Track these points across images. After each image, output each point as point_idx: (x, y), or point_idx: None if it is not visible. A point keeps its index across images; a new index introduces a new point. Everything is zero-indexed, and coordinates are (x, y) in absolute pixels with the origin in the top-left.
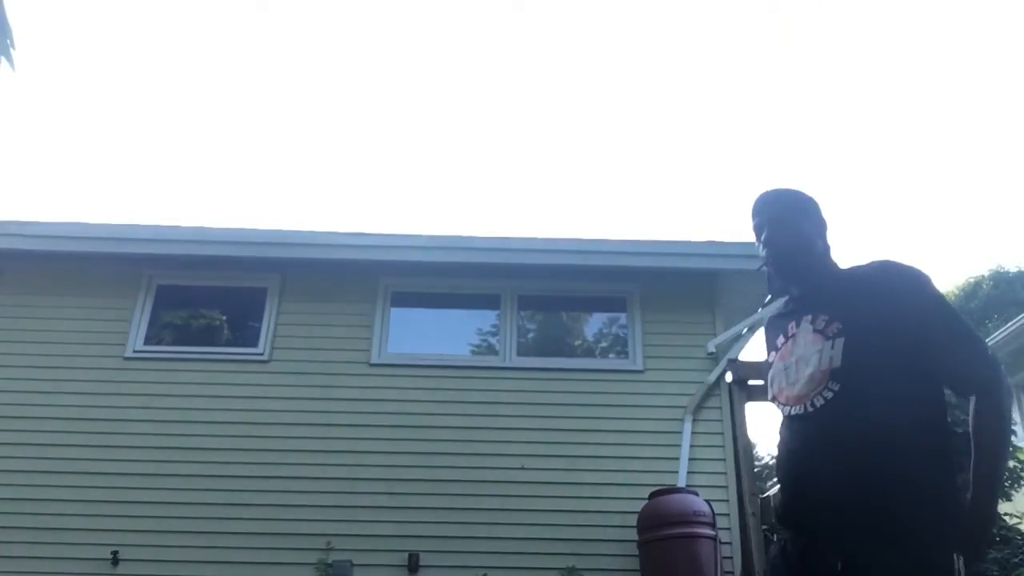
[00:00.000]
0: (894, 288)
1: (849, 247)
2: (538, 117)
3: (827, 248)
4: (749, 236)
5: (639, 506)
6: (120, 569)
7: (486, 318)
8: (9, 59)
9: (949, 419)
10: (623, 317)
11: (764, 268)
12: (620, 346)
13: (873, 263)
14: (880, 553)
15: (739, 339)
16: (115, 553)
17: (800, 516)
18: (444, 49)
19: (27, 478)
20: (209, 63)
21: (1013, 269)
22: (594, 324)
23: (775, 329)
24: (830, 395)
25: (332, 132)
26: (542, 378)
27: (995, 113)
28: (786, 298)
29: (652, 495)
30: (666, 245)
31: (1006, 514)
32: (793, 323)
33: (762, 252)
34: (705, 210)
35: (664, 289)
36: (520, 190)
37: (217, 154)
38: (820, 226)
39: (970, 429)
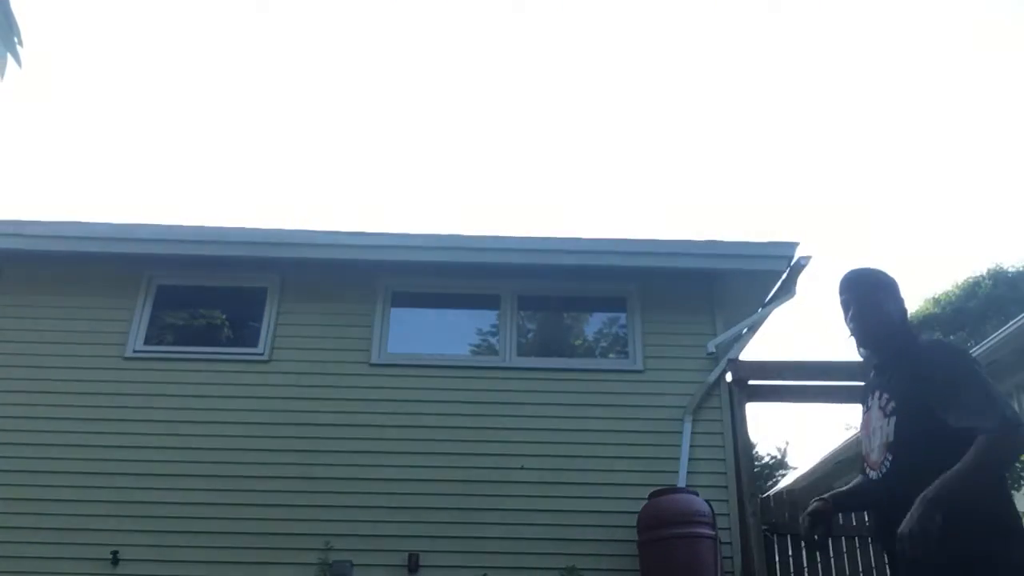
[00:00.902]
0: (934, 364)
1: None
2: (538, 117)
3: (905, 324)
4: (748, 236)
5: (639, 506)
6: (120, 569)
7: (486, 318)
8: (16, 57)
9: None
10: (623, 317)
11: (852, 338)
12: (620, 346)
13: (923, 348)
14: None
15: (739, 339)
16: (115, 553)
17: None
18: (444, 49)
19: (27, 478)
20: (209, 63)
21: (1012, 268)
22: (594, 324)
23: (864, 390)
24: (888, 465)
25: (332, 132)
26: (542, 378)
27: (995, 112)
28: (870, 360)
29: (652, 495)
30: (666, 245)
31: None
32: (872, 396)
33: (850, 326)
34: (705, 210)
35: (664, 289)
36: (520, 190)
37: (217, 154)
38: (900, 304)
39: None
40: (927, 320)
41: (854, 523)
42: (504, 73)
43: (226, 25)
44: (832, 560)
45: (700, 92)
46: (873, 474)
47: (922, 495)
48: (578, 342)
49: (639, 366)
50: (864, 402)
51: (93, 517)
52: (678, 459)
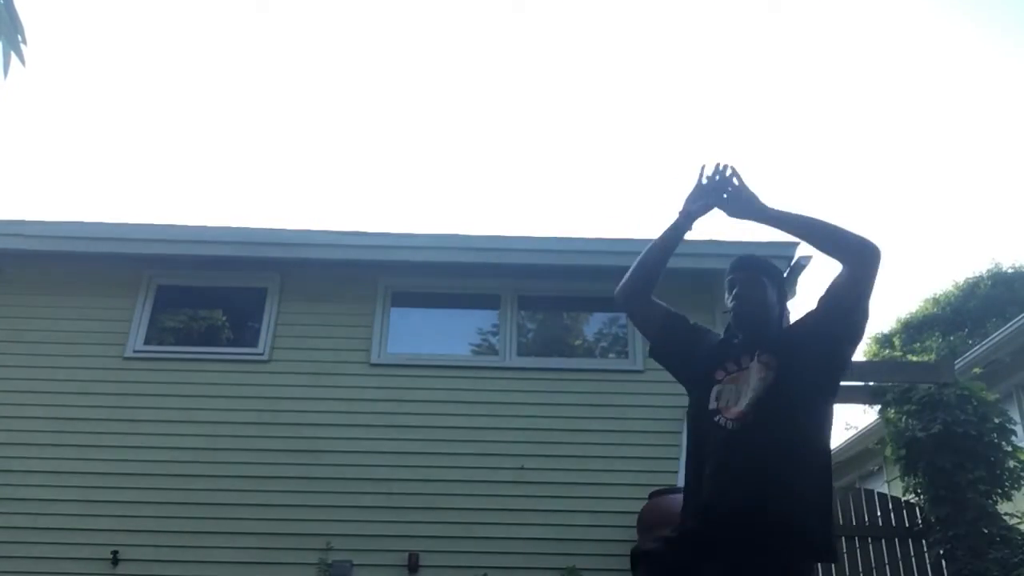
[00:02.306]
0: (805, 324)
1: None
2: (538, 117)
3: (783, 313)
4: (749, 236)
5: (639, 506)
6: (120, 569)
7: (486, 318)
8: (20, 55)
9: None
10: (623, 317)
11: (727, 313)
12: (620, 346)
13: (795, 322)
14: (759, 553)
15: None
16: (115, 553)
17: (712, 511)
18: (444, 49)
19: (27, 478)
20: (209, 63)
21: (1012, 268)
22: (594, 324)
23: (713, 346)
24: (760, 416)
25: (332, 132)
26: (542, 378)
27: (994, 112)
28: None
29: (652, 495)
30: None
31: (1006, 514)
32: (747, 356)
33: (730, 304)
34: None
35: (664, 289)
36: (520, 190)
37: (217, 154)
38: (782, 298)
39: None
40: (927, 320)
41: (854, 523)
42: (504, 73)
43: (226, 25)
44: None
45: (700, 92)
46: (732, 424)
47: (763, 205)
48: (578, 342)
49: (639, 366)
50: (727, 360)
51: (93, 517)
52: (678, 459)
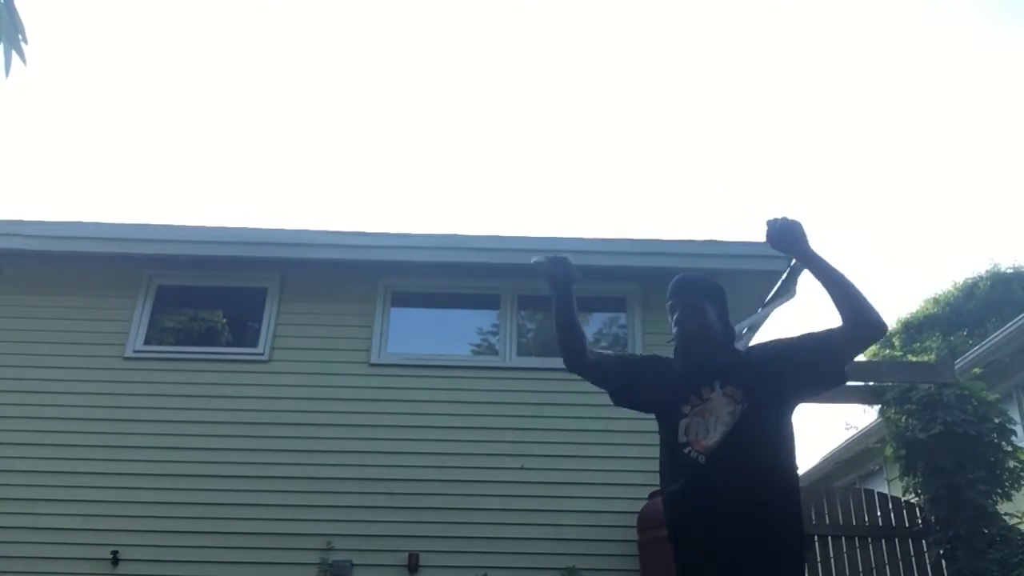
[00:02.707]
0: (776, 356)
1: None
2: (538, 117)
3: (727, 329)
4: (749, 236)
5: (639, 506)
6: (120, 569)
7: (486, 318)
8: (21, 54)
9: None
10: (623, 317)
11: (672, 342)
12: (620, 346)
13: (759, 346)
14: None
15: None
16: (115, 553)
17: (696, 542)
18: (444, 49)
19: (27, 478)
20: (209, 63)
21: (1011, 268)
22: (594, 324)
23: (673, 379)
24: (732, 449)
25: (332, 132)
26: (542, 378)
27: (994, 112)
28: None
29: (652, 495)
30: (666, 245)
31: (1006, 514)
32: (707, 388)
33: (673, 330)
34: (705, 210)
35: (664, 289)
36: (520, 190)
37: (217, 154)
38: (724, 314)
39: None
40: (927, 320)
41: (854, 523)
42: (504, 73)
43: (226, 25)
44: (832, 560)
45: (700, 92)
46: (704, 458)
47: (812, 249)
48: None
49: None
50: (693, 394)
51: (93, 517)
52: None
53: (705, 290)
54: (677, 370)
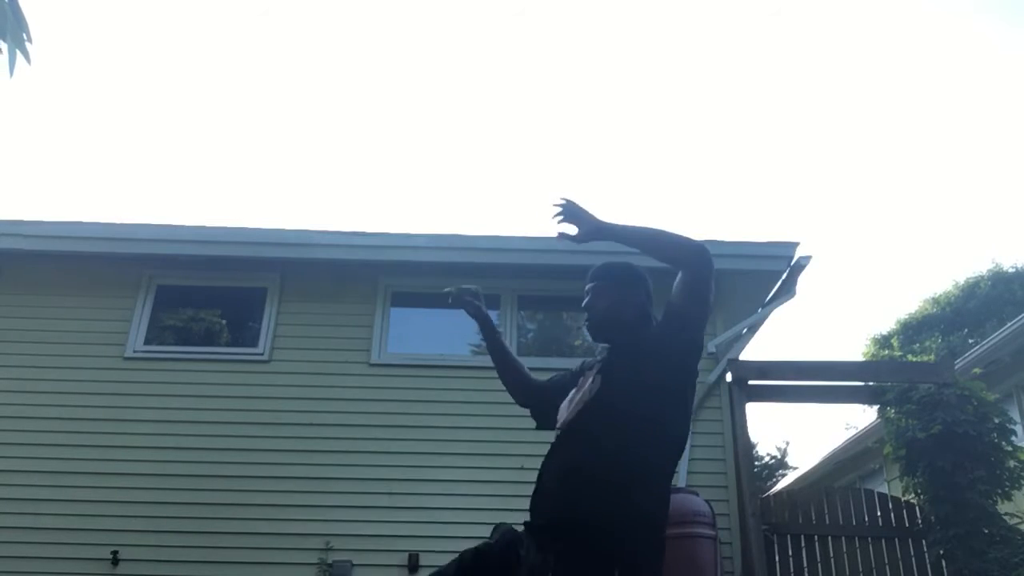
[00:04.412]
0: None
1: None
2: (538, 117)
3: (641, 317)
4: (749, 236)
5: None
6: (120, 569)
7: None
8: (25, 53)
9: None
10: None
11: (584, 326)
12: None
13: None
14: (567, 549)
15: (739, 339)
16: (115, 553)
17: (534, 506)
18: (444, 49)
19: (27, 478)
20: (210, 63)
21: (1012, 268)
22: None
23: (585, 370)
24: (577, 416)
25: (332, 132)
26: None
27: (994, 111)
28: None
29: None
30: None
31: (1006, 514)
32: (592, 371)
33: (584, 316)
34: (704, 210)
35: (664, 289)
36: (520, 190)
37: (217, 154)
38: (638, 301)
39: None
40: (926, 320)
41: (854, 523)
42: (504, 73)
43: (226, 25)
44: (832, 560)
45: (700, 92)
46: (559, 432)
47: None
48: (578, 342)
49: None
50: (582, 379)
51: (93, 517)
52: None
53: (614, 275)
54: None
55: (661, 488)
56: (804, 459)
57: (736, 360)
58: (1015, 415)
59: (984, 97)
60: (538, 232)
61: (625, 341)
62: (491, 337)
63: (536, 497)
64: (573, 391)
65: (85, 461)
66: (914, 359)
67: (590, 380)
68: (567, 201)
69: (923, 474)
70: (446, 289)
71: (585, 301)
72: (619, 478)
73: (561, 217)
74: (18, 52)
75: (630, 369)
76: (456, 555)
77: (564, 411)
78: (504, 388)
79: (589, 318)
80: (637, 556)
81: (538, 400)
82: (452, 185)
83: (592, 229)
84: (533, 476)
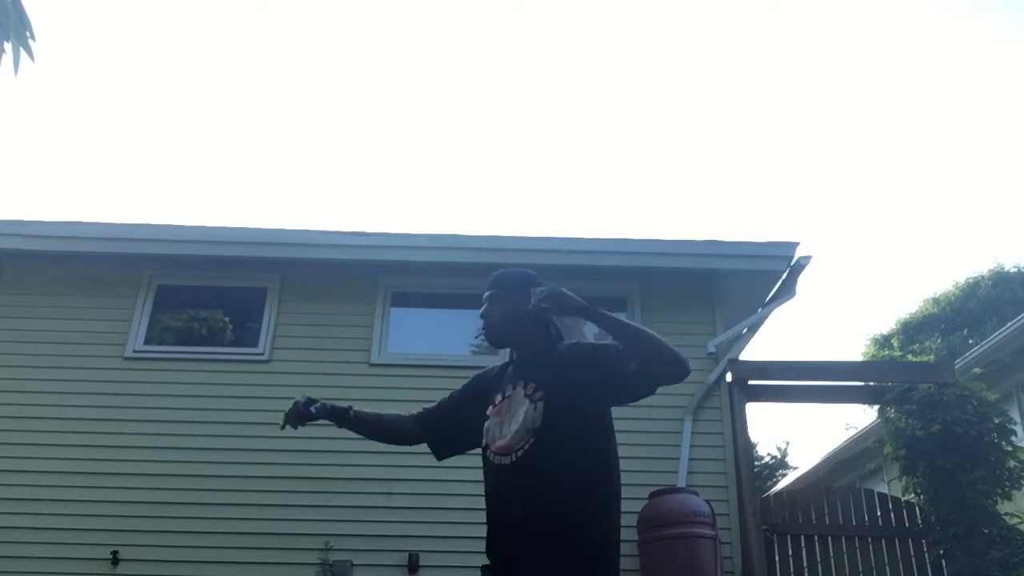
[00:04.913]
0: (576, 355)
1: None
2: (537, 117)
3: (540, 324)
4: (749, 236)
5: (639, 506)
6: (120, 569)
7: None
8: (29, 52)
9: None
10: (623, 317)
11: (479, 336)
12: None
13: (569, 345)
14: None
15: (739, 339)
16: (115, 553)
17: (498, 550)
18: (444, 49)
19: (27, 478)
20: (209, 63)
21: (1013, 268)
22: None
23: (492, 385)
24: (527, 448)
25: (332, 132)
26: None
27: (995, 111)
28: (507, 357)
29: (652, 495)
30: (665, 244)
31: (1006, 514)
32: (510, 386)
33: (481, 322)
34: (704, 210)
35: (664, 289)
36: (520, 190)
37: (217, 154)
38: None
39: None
40: (927, 320)
41: (854, 523)
42: (504, 73)
43: (226, 25)
44: (832, 560)
45: (700, 92)
46: (504, 460)
47: (591, 305)
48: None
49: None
50: (499, 393)
51: (93, 517)
52: (678, 459)
53: (514, 282)
54: (498, 372)
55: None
56: (804, 459)
57: (736, 360)
58: (1015, 415)
59: (984, 95)
60: (538, 232)
61: (533, 351)
62: (345, 421)
63: (503, 540)
64: (498, 408)
65: (85, 461)
66: (914, 359)
67: (524, 400)
68: (553, 293)
69: (923, 474)
70: (282, 427)
71: (482, 309)
72: (589, 510)
73: (546, 305)
74: (22, 50)
75: (566, 390)
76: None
77: (495, 431)
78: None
79: (485, 326)
80: None
81: (433, 432)
82: (452, 185)
83: (578, 306)
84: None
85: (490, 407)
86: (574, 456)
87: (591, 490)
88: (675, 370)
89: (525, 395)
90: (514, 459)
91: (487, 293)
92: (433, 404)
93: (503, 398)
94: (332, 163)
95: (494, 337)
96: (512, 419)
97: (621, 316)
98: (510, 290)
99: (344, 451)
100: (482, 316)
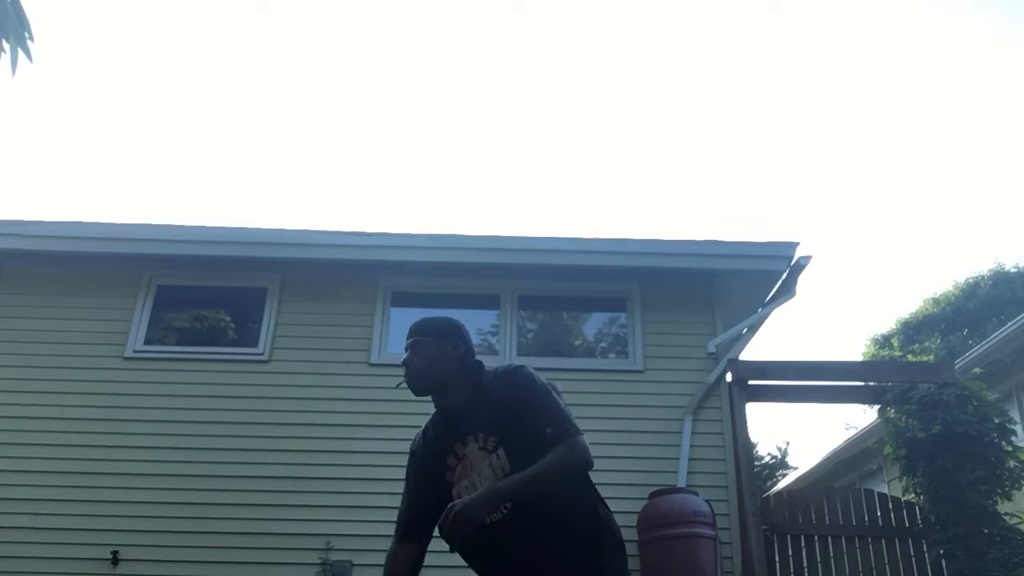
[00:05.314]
0: (513, 397)
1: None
2: (537, 117)
3: (463, 371)
4: (749, 236)
5: (639, 506)
6: (120, 569)
7: (486, 318)
8: (27, 52)
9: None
10: (623, 317)
11: (401, 386)
12: (620, 346)
13: (497, 379)
14: None
15: (739, 339)
16: (115, 553)
17: None
18: (444, 49)
19: (27, 478)
20: (209, 63)
21: (1013, 268)
22: (594, 324)
23: (432, 452)
24: (517, 506)
25: (332, 132)
26: None
27: (995, 111)
28: (435, 414)
29: (652, 495)
30: (666, 245)
31: (1006, 514)
32: (459, 444)
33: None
34: (704, 210)
35: (664, 289)
36: (520, 190)
37: (217, 153)
38: (456, 353)
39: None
40: (927, 320)
41: (854, 523)
42: (504, 73)
43: (226, 25)
44: (832, 560)
45: (700, 92)
46: (495, 516)
47: (492, 487)
48: (578, 342)
49: (639, 366)
50: (449, 454)
51: (93, 517)
52: (678, 459)
53: (435, 331)
54: (431, 434)
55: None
56: (804, 459)
57: (736, 360)
58: (1015, 415)
59: (984, 95)
60: (538, 232)
61: (461, 399)
62: None
63: None
64: (458, 472)
65: (85, 461)
66: (914, 359)
67: (482, 454)
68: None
69: (923, 474)
70: None
71: (404, 357)
72: (603, 530)
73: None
74: (20, 51)
75: (514, 423)
76: (456, 554)
77: (458, 495)
78: None
79: (407, 374)
80: None
81: (427, 532)
82: (452, 185)
83: (488, 511)
84: None
85: (447, 472)
86: (558, 495)
87: (584, 500)
88: (578, 476)
89: (480, 448)
90: (505, 511)
91: (409, 340)
92: (401, 514)
93: (457, 460)
94: (332, 163)
95: (417, 384)
96: (481, 476)
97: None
98: (433, 337)
99: (344, 451)
100: (403, 364)
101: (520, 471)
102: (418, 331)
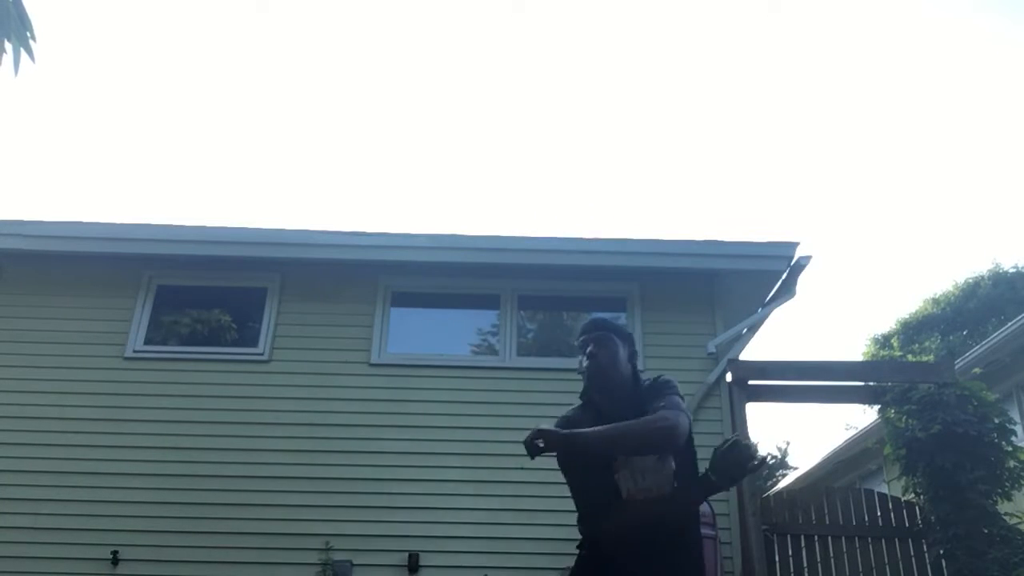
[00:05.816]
0: (656, 395)
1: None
2: (538, 117)
3: (636, 372)
4: (749, 236)
5: None
6: (120, 569)
7: (486, 318)
8: (29, 52)
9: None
10: (623, 317)
11: (581, 373)
12: None
13: (649, 388)
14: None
15: (739, 339)
16: (115, 553)
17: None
18: (444, 49)
19: (27, 478)
20: (209, 63)
21: (1012, 268)
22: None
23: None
24: (668, 491)
25: (332, 131)
26: (542, 378)
27: (995, 111)
28: (581, 405)
29: None
30: (666, 245)
31: (1006, 514)
32: None
33: (584, 363)
34: (704, 210)
35: (664, 289)
36: (520, 190)
37: (217, 153)
38: (633, 357)
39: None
40: (926, 320)
41: (854, 523)
42: (504, 73)
43: (226, 25)
44: (832, 560)
45: (700, 92)
46: (645, 496)
47: (575, 431)
48: (578, 342)
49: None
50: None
51: (93, 517)
52: None
53: (616, 329)
54: (590, 422)
55: None
56: (804, 459)
57: (736, 360)
58: (1015, 415)
59: (984, 95)
60: (538, 232)
61: (624, 397)
62: None
63: (639, 544)
64: (620, 459)
65: (85, 461)
66: (914, 359)
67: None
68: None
69: (923, 474)
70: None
71: (588, 349)
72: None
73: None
74: (22, 51)
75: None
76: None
77: (631, 481)
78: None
79: (592, 366)
80: None
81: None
82: (452, 185)
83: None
84: (533, 476)
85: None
86: (687, 499)
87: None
88: (669, 443)
89: None
90: (662, 499)
91: (594, 334)
92: (593, 495)
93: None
94: (332, 163)
95: (601, 379)
96: (651, 468)
97: (601, 429)
98: (620, 338)
99: (344, 451)
100: (590, 356)
101: (677, 472)
102: (604, 326)
